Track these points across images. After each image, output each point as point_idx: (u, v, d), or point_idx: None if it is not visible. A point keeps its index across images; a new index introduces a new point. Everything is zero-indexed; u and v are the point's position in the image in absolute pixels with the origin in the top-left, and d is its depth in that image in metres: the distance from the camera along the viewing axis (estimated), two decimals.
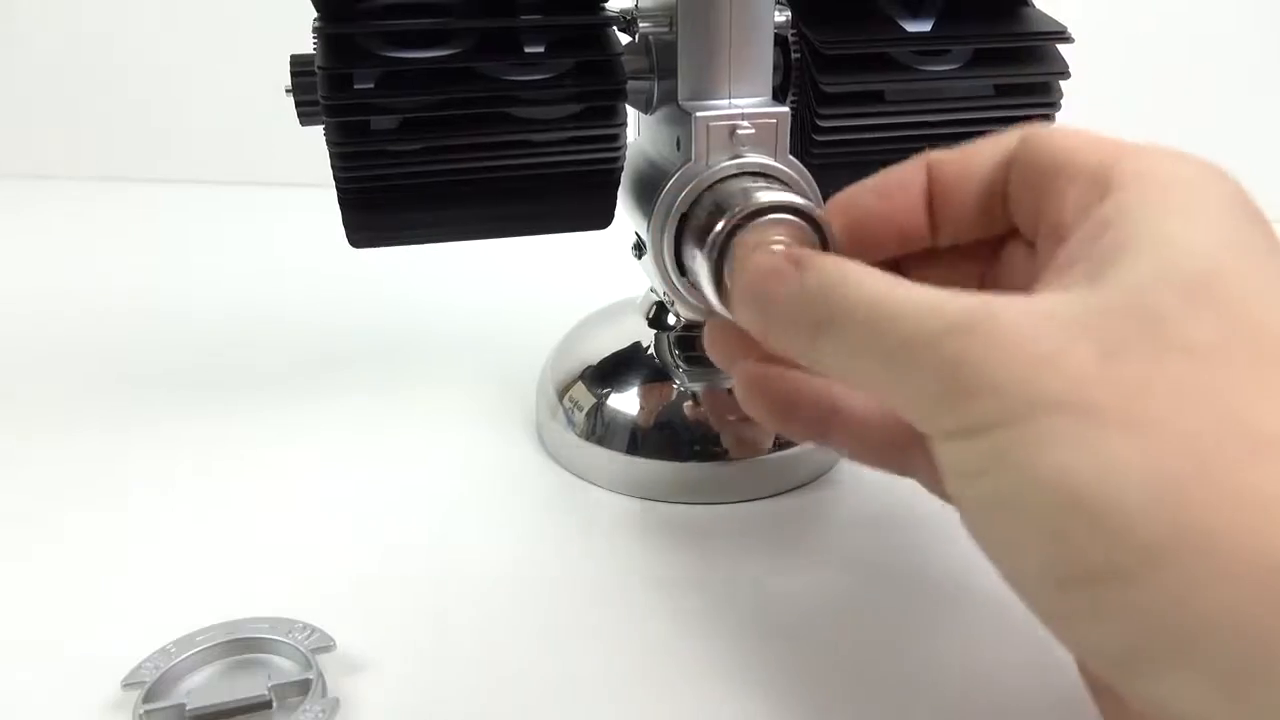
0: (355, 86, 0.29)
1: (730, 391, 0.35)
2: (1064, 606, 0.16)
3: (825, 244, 0.26)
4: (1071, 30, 0.34)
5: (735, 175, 0.29)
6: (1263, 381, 0.16)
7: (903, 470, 0.25)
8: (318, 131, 0.30)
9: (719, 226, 0.26)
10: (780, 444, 0.35)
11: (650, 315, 0.37)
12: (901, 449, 0.24)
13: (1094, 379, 0.16)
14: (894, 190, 0.24)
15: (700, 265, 0.28)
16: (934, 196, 0.24)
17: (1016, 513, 0.16)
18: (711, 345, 0.28)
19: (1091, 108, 0.34)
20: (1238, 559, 0.14)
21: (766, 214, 0.26)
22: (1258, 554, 0.14)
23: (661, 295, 0.34)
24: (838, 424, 0.25)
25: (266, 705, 0.25)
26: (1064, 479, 0.16)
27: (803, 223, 0.26)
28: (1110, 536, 0.15)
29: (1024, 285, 0.20)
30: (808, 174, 0.31)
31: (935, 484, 0.24)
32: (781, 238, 0.26)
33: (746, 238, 0.26)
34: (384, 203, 0.31)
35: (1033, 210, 0.22)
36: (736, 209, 0.26)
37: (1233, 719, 0.14)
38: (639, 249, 0.34)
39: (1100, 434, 0.15)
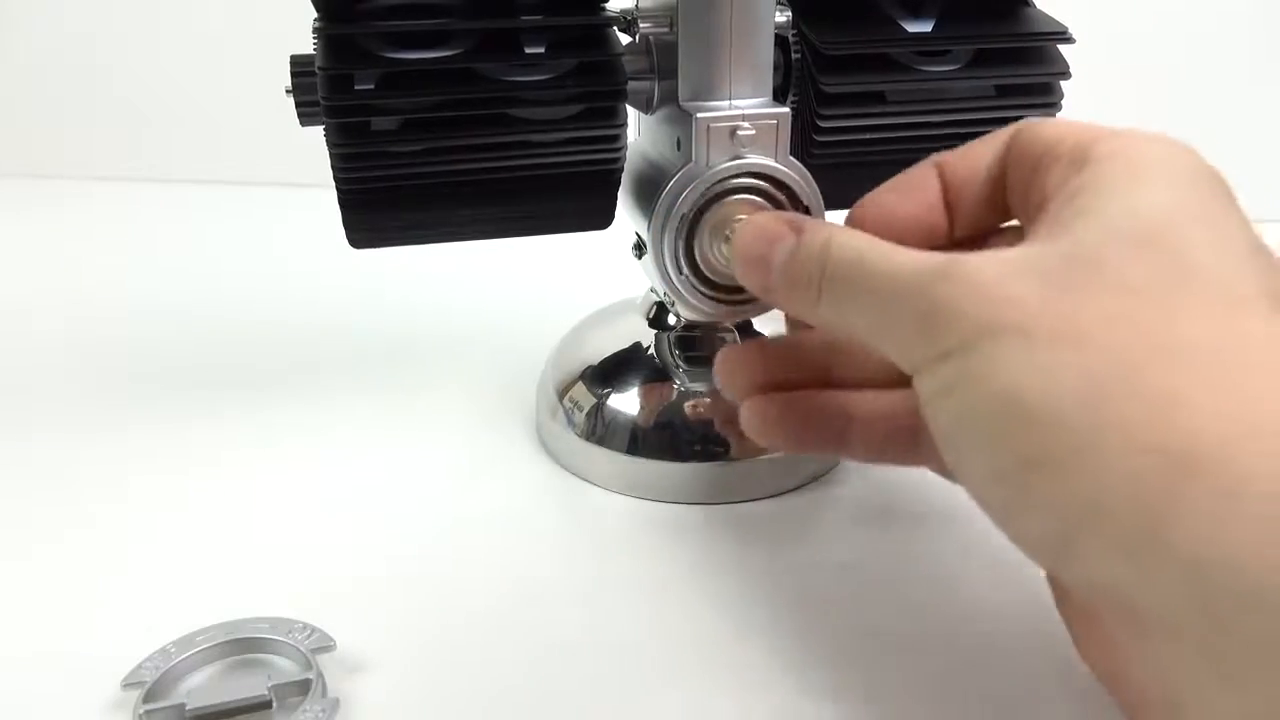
0: (356, 87, 0.28)
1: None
2: (1003, 495, 0.19)
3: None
4: (1072, 30, 0.34)
5: (735, 176, 0.29)
6: (1186, 307, 0.18)
7: (912, 458, 0.27)
8: (318, 132, 0.30)
9: (699, 213, 0.30)
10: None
11: (650, 315, 0.37)
12: (911, 434, 0.27)
13: (1039, 309, 0.19)
14: (913, 190, 0.26)
15: (685, 253, 0.30)
16: (947, 193, 0.26)
17: (972, 420, 0.19)
18: (725, 376, 0.29)
19: (1091, 108, 0.34)
20: (1143, 444, 0.17)
21: (734, 194, 0.30)
22: (1160, 438, 0.17)
23: (662, 295, 0.34)
24: (853, 431, 0.28)
25: (266, 705, 0.25)
26: (1008, 388, 0.18)
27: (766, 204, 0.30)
28: (1043, 430, 0.18)
29: None
30: (808, 174, 0.31)
31: (940, 465, 0.26)
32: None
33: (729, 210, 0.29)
34: (384, 203, 0.31)
35: (1024, 194, 0.24)
36: (704, 189, 0.29)
37: (1137, 583, 0.17)
38: (639, 249, 0.34)
39: (1040, 351, 0.18)
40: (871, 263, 0.22)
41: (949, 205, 0.26)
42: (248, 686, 0.25)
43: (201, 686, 0.26)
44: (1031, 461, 0.18)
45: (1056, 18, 0.35)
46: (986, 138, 0.25)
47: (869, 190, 0.27)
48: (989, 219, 0.26)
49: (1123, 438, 0.17)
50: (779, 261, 0.24)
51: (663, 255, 0.30)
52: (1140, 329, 0.18)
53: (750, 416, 0.28)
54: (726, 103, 0.31)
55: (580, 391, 0.37)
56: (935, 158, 0.26)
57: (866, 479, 0.36)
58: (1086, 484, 0.17)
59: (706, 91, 0.31)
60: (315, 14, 0.29)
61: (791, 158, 0.30)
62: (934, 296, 0.20)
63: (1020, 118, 0.34)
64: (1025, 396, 0.18)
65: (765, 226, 0.25)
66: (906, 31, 0.33)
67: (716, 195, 0.29)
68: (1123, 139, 0.21)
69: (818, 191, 0.31)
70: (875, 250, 0.22)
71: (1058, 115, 0.35)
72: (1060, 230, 0.20)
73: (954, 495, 0.25)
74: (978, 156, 0.25)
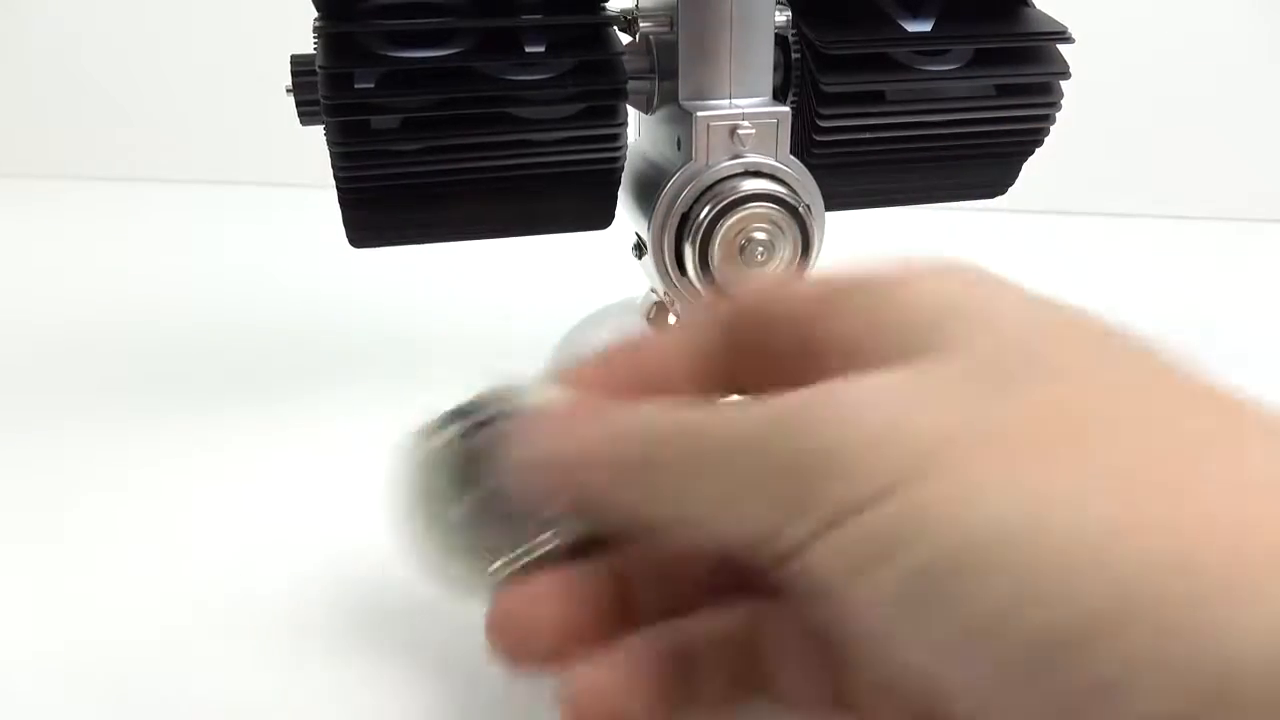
0: (356, 86, 0.29)
1: None
2: (1013, 694, 0.14)
3: (806, 234, 0.28)
4: (1071, 30, 0.34)
5: (736, 175, 0.29)
6: (1134, 388, 0.15)
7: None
8: (318, 131, 0.30)
9: (703, 214, 0.29)
10: None
11: (650, 315, 0.37)
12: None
13: (973, 426, 0.15)
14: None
15: (687, 254, 0.29)
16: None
17: (936, 592, 0.14)
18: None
19: (1092, 108, 0.34)
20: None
21: (749, 202, 0.29)
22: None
23: (662, 295, 0.34)
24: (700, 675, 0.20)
25: None
26: (991, 531, 0.14)
27: (783, 211, 0.28)
28: (1059, 579, 0.13)
29: None
30: (808, 174, 0.31)
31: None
32: (764, 226, 0.29)
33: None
34: (384, 202, 0.31)
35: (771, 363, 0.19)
36: (720, 197, 0.28)
37: None
38: (639, 249, 0.34)
39: (1020, 471, 0.14)
40: (698, 425, 0.17)
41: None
42: None
43: None
44: (1058, 635, 0.13)
45: (1056, 18, 0.35)
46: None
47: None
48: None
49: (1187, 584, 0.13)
50: (586, 453, 0.19)
51: (663, 255, 0.30)
52: (1118, 420, 0.15)
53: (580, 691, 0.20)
54: (726, 102, 0.31)
55: None
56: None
57: None
58: (1180, 651, 0.12)
59: (706, 91, 0.31)
60: (316, 13, 0.29)
61: (791, 156, 0.30)
62: (799, 443, 0.15)
63: (1020, 117, 0.35)
64: (1018, 539, 0.13)
65: (556, 414, 0.20)
66: (906, 31, 0.33)
67: (731, 204, 0.29)
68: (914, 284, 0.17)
69: (818, 191, 0.31)
70: (693, 413, 0.17)
71: (1057, 115, 0.35)
72: (925, 356, 0.16)
73: None
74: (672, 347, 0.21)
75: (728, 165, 0.29)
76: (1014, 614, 0.13)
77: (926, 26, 0.33)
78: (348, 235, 0.31)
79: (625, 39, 0.32)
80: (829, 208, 0.31)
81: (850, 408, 0.15)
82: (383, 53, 0.29)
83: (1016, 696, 0.14)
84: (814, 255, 0.31)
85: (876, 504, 0.14)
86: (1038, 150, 0.37)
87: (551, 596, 0.20)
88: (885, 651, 0.15)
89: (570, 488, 0.19)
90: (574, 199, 0.32)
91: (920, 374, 0.16)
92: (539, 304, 0.51)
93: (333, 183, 0.30)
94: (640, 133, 0.35)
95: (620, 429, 0.18)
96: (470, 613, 0.29)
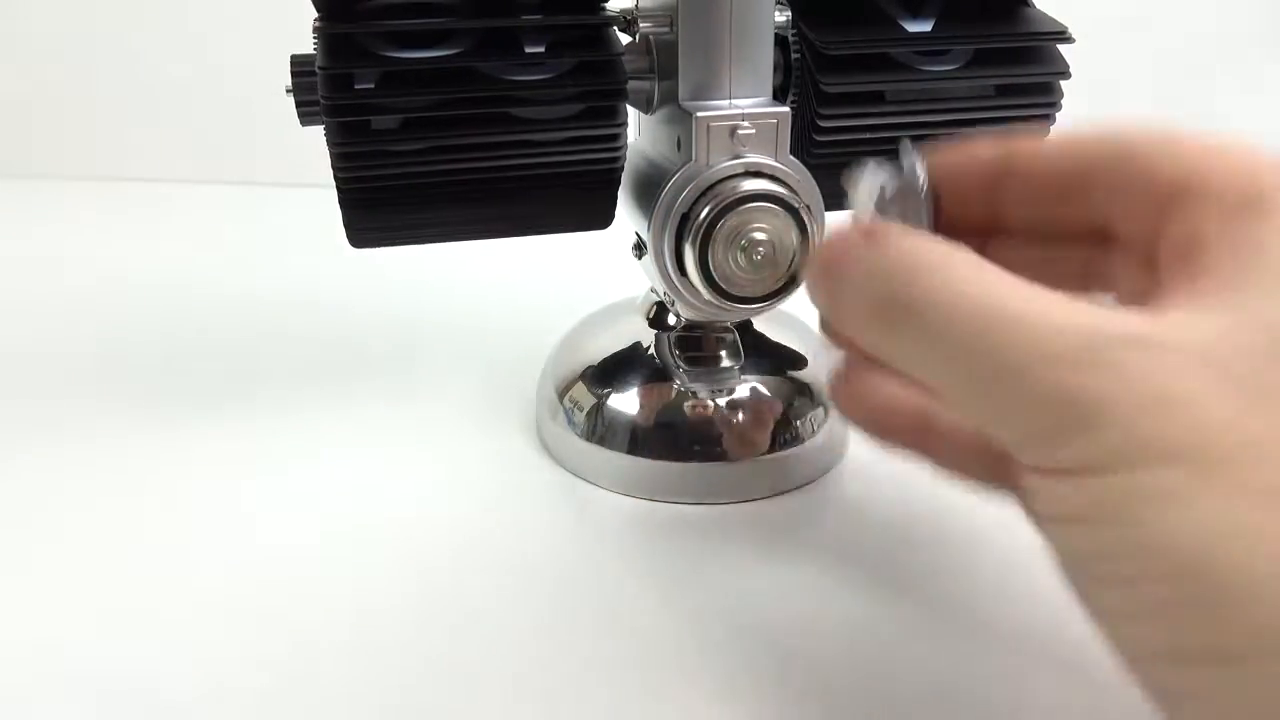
0: (356, 86, 0.29)
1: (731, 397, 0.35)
2: (1179, 682, 0.15)
3: (805, 234, 0.28)
4: (1071, 30, 0.34)
5: (736, 175, 0.29)
6: None
7: (1002, 488, 0.22)
8: (317, 131, 0.30)
9: (703, 214, 0.29)
10: (780, 444, 0.35)
11: (650, 315, 0.37)
12: (1002, 464, 0.21)
13: (1223, 428, 0.14)
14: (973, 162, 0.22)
15: (687, 254, 0.29)
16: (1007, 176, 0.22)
17: (1125, 575, 0.15)
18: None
19: (1091, 108, 0.34)
20: None
21: (749, 201, 0.29)
22: None
23: (662, 295, 0.34)
24: (932, 442, 0.23)
25: None
26: (1187, 550, 0.14)
27: (783, 211, 0.29)
28: (1247, 613, 0.13)
29: (1131, 292, 0.19)
30: (808, 174, 0.31)
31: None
32: (764, 226, 0.29)
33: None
34: (384, 202, 0.31)
35: (1143, 216, 0.19)
36: (720, 197, 0.29)
37: None
38: (639, 249, 0.34)
39: (1225, 495, 0.14)
40: (982, 310, 0.16)
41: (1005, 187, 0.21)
42: None
43: None
44: (1227, 654, 0.13)
45: (1056, 18, 0.35)
46: (1054, 138, 0.21)
47: None
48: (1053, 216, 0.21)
49: None
50: (844, 281, 0.19)
51: (663, 255, 0.30)
52: None
53: (833, 381, 0.23)
54: (726, 102, 0.31)
55: (580, 391, 0.37)
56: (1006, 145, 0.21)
57: (867, 480, 0.36)
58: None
59: (706, 91, 0.31)
60: (315, 13, 0.29)
61: (791, 157, 0.30)
62: (1075, 385, 0.15)
63: (1020, 117, 0.34)
64: (1216, 567, 0.13)
65: (834, 236, 0.20)
66: (906, 31, 0.33)
67: (731, 203, 0.29)
68: None
69: (818, 191, 0.31)
70: (987, 288, 0.17)
71: (1057, 115, 0.35)
72: (1239, 294, 0.15)
73: (955, 497, 0.25)
74: (1050, 156, 0.21)
75: (728, 165, 0.29)
76: (1140, 617, 0.14)
77: (927, 27, 0.33)
78: (348, 236, 0.31)
79: (625, 39, 0.32)
80: (829, 208, 0.31)
81: (1138, 365, 0.15)
82: (382, 53, 0.29)
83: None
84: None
85: (1090, 475, 0.15)
86: None
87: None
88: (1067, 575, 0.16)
89: (827, 315, 0.21)
90: (574, 199, 0.32)
91: (1206, 333, 0.15)
92: (539, 304, 0.51)
93: (332, 182, 0.30)
94: (639, 133, 0.35)
95: (889, 270, 0.18)
96: (469, 613, 0.29)
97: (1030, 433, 0.16)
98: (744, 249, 0.29)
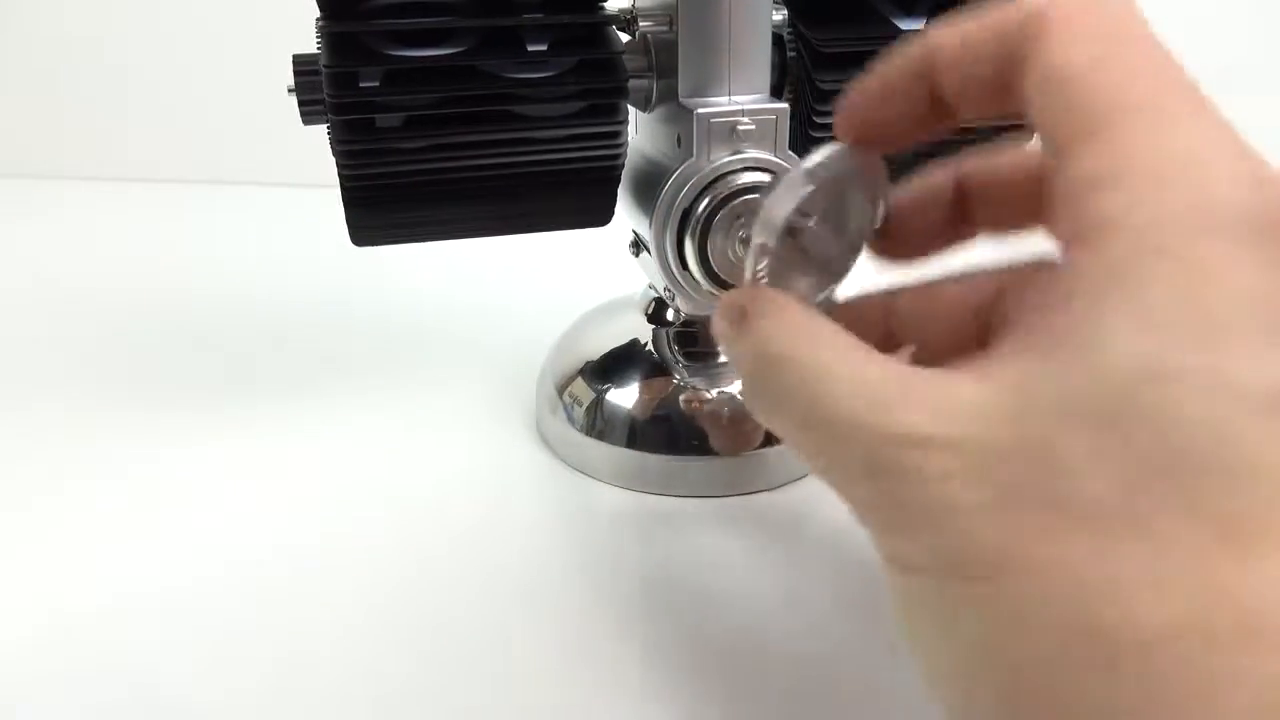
0: (360, 85, 0.29)
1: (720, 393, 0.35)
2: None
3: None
4: None
5: (736, 170, 0.30)
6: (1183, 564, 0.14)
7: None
8: (318, 131, 0.30)
9: (701, 207, 0.29)
10: (776, 439, 0.35)
11: (649, 311, 0.38)
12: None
13: (983, 546, 0.15)
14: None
15: (688, 249, 0.30)
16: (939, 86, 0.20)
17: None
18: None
19: None
20: None
21: (748, 193, 0.29)
22: None
23: (661, 291, 0.34)
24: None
25: None
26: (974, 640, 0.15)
27: None
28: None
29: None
30: None
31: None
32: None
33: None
34: (387, 200, 0.31)
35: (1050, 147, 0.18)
36: (718, 191, 0.29)
37: None
38: (636, 246, 0.34)
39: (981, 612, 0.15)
40: (805, 400, 0.18)
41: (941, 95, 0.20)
42: None
43: None
44: None
45: None
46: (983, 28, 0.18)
47: None
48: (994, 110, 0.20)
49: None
50: (729, 354, 0.21)
51: (665, 250, 0.31)
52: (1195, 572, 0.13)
53: None
54: (726, 99, 0.31)
55: (580, 386, 0.37)
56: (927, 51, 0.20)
57: None
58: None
59: (706, 88, 0.31)
60: (318, 12, 0.29)
61: (790, 152, 0.30)
62: (877, 489, 0.16)
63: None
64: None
65: (721, 304, 0.21)
66: (900, 29, 0.33)
67: (730, 195, 0.29)
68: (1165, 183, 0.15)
69: None
70: (816, 372, 0.18)
71: None
72: (1027, 365, 0.16)
73: None
74: (1002, 167, 0.21)
75: (728, 161, 0.30)
76: None
77: (919, 24, 0.33)
78: (350, 234, 0.32)
79: (624, 38, 0.32)
80: None
81: (918, 473, 0.15)
82: (386, 51, 0.29)
83: None
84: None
85: (926, 574, 0.16)
86: None
87: None
88: None
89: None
90: (575, 196, 0.32)
91: (998, 425, 0.15)
92: (539, 300, 0.51)
93: (332, 182, 0.30)
94: (637, 130, 0.36)
95: (751, 353, 0.19)
96: (469, 605, 0.29)
97: (868, 517, 0.17)
98: (743, 240, 0.29)
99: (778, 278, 0.22)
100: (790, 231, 0.21)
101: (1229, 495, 0.13)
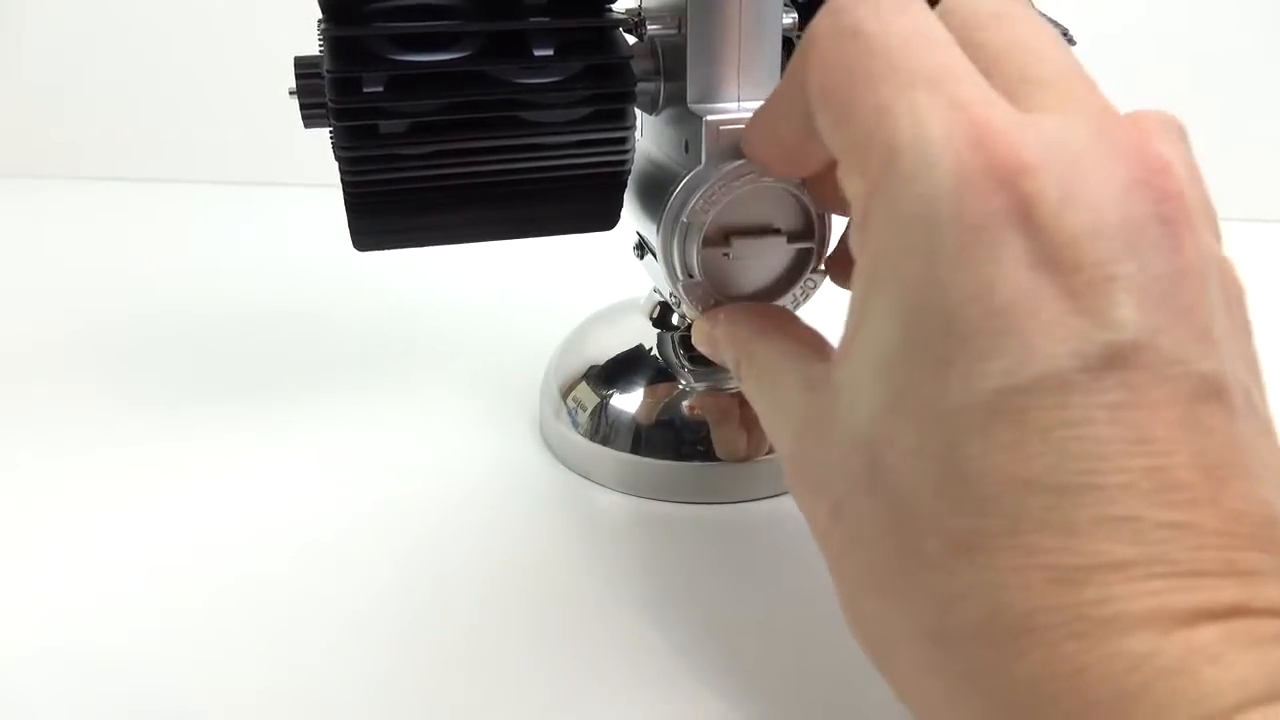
0: (364, 90, 0.28)
1: (730, 394, 0.35)
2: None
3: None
4: (1072, 31, 0.34)
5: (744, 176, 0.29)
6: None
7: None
8: (318, 132, 0.30)
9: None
10: None
11: (654, 315, 0.37)
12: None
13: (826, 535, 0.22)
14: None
15: (676, 245, 0.30)
16: None
17: None
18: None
19: None
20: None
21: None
22: None
23: (667, 295, 0.34)
24: None
25: None
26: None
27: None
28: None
29: None
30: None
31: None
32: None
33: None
34: (391, 206, 0.30)
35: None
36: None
37: None
38: (641, 248, 0.34)
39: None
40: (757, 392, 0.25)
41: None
42: None
43: None
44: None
45: (1056, 18, 0.35)
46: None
47: None
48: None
49: None
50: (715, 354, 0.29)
51: (672, 257, 0.30)
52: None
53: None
54: (735, 104, 0.31)
55: (584, 391, 0.37)
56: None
57: None
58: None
59: (714, 93, 0.31)
60: (320, 16, 0.29)
61: None
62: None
63: None
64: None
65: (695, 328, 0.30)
66: None
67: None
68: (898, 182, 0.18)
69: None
70: (763, 368, 0.24)
71: None
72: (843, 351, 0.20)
73: None
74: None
75: (736, 167, 0.29)
76: None
77: None
78: (353, 240, 0.31)
79: (631, 40, 0.32)
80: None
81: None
82: (389, 56, 0.28)
83: None
84: (825, 254, 0.31)
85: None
86: None
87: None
88: None
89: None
90: (582, 201, 0.32)
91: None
92: (542, 304, 0.51)
93: (332, 182, 0.30)
94: (643, 132, 0.35)
95: (720, 343, 0.28)
96: (472, 610, 0.29)
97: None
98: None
99: (723, 290, 0.30)
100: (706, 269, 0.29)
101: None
